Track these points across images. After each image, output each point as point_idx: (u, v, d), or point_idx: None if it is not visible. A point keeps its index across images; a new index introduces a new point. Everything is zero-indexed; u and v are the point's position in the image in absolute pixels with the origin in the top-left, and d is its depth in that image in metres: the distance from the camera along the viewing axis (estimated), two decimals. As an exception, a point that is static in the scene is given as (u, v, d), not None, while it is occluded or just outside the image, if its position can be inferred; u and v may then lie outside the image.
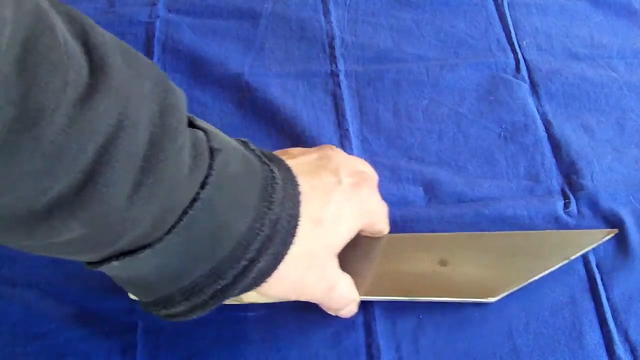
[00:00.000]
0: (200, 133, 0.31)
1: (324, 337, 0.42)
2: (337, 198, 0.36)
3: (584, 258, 0.45)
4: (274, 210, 0.32)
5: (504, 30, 0.60)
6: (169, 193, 0.27)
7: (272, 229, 0.32)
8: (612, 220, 0.47)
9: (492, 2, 0.62)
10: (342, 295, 0.39)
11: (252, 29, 0.60)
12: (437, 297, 0.42)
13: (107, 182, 0.25)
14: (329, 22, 0.60)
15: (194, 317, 0.34)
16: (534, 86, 0.55)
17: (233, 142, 0.34)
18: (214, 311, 0.42)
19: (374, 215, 0.41)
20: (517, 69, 0.57)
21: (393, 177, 0.50)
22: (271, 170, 0.33)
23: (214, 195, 0.30)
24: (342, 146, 0.51)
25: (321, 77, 0.56)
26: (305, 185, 0.35)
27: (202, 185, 0.29)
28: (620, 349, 0.41)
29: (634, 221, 0.47)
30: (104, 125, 0.24)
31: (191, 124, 0.32)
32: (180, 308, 0.33)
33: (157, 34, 0.59)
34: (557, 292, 0.44)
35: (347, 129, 0.52)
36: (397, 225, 0.47)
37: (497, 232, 0.46)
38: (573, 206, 0.48)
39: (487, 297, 0.42)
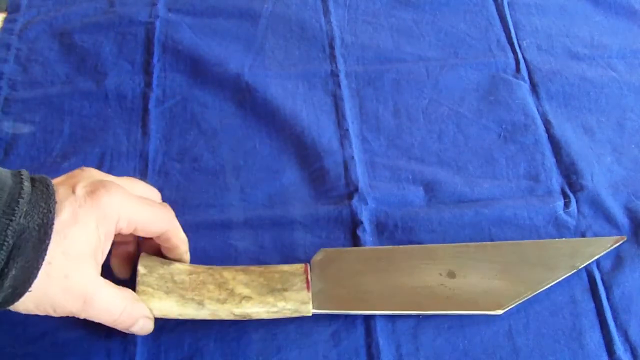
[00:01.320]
0: None
1: (324, 337, 0.42)
2: (69, 207, 0.36)
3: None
4: (17, 221, 0.33)
5: (504, 30, 0.60)
6: None
7: (19, 239, 0.33)
8: (612, 220, 0.47)
9: (492, 2, 0.62)
10: (104, 308, 0.38)
11: (252, 29, 0.60)
12: (445, 310, 0.42)
13: None
14: (329, 22, 0.60)
15: None
16: (534, 86, 0.55)
17: None
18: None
19: (126, 216, 0.39)
20: (517, 69, 0.57)
21: (393, 177, 0.50)
22: (21, 187, 0.35)
23: None
24: (342, 146, 0.51)
25: (321, 77, 0.56)
26: None
27: None
28: (620, 349, 0.41)
29: (633, 221, 0.47)
30: None
31: None
32: None
33: (157, 34, 0.59)
34: (557, 292, 0.44)
35: (347, 129, 0.52)
36: (397, 225, 0.47)
37: (504, 242, 0.46)
38: (573, 206, 0.48)
39: (494, 309, 0.42)
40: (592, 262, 0.45)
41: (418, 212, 0.48)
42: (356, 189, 0.49)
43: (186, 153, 0.51)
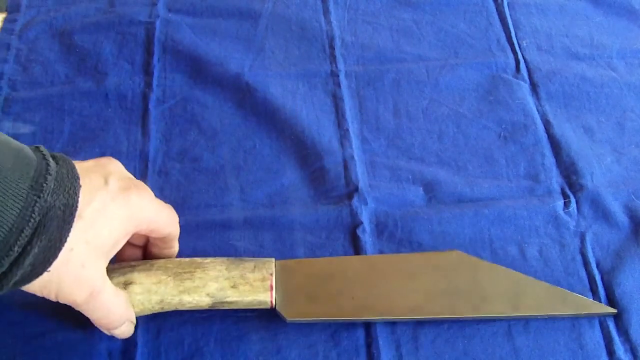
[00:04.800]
0: None
1: (324, 337, 0.42)
2: (101, 197, 0.37)
3: (584, 258, 0.45)
4: (44, 198, 0.33)
5: (504, 30, 0.60)
6: None
7: (44, 217, 0.33)
8: (612, 220, 0.47)
9: (492, 2, 0.62)
10: (106, 305, 0.38)
11: (252, 29, 0.60)
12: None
13: None
14: (329, 22, 0.60)
15: None
16: (534, 86, 0.55)
17: (8, 141, 0.34)
18: (215, 311, 0.42)
19: (147, 219, 0.39)
20: (517, 69, 0.57)
21: (393, 177, 0.50)
22: (47, 164, 0.34)
23: None
24: (342, 146, 0.51)
25: (321, 77, 0.56)
26: None
27: None
28: (620, 349, 0.41)
29: (634, 221, 0.47)
30: None
31: None
32: None
33: (157, 34, 0.59)
34: (557, 292, 0.44)
35: (347, 129, 0.52)
36: (397, 225, 0.47)
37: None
38: (573, 206, 0.48)
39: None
40: (592, 262, 0.45)
41: (418, 212, 0.48)
42: (356, 189, 0.49)
43: (186, 153, 0.51)
